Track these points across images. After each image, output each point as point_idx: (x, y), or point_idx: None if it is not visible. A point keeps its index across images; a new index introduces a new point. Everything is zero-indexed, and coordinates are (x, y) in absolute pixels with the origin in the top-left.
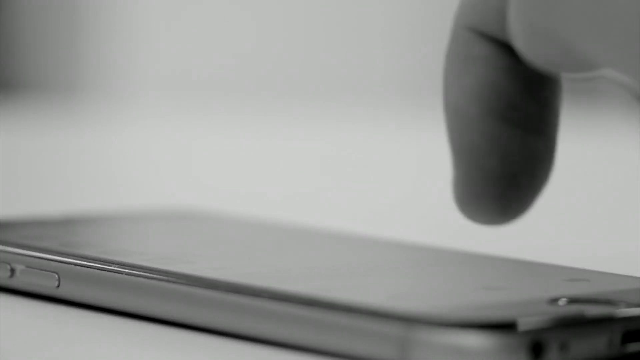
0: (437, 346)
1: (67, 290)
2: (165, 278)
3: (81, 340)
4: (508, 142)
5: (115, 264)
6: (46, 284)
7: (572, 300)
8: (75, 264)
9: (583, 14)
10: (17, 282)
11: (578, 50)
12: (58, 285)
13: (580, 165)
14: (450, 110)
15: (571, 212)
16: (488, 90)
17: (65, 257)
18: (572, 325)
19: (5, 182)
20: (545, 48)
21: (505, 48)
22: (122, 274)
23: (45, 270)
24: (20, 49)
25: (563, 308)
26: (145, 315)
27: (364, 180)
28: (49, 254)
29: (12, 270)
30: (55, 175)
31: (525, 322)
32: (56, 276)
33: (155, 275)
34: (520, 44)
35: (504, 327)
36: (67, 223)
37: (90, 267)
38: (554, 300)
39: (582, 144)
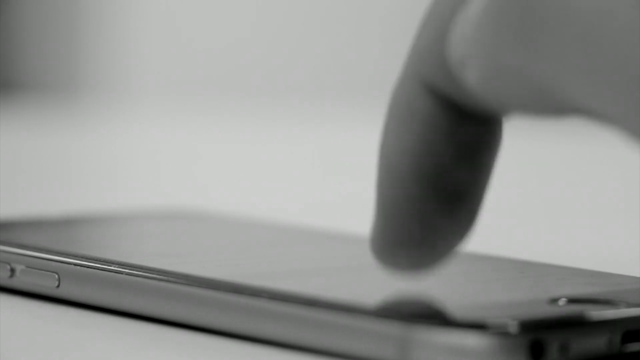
0: (437, 346)
1: (67, 290)
2: (165, 278)
3: (81, 340)
4: (432, 209)
5: (115, 264)
6: (46, 284)
7: (572, 300)
8: (75, 264)
9: (577, 55)
10: (17, 282)
11: (555, 92)
12: (58, 285)
13: (580, 166)
14: (382, 159)
15: (571, 212)
16: (423, 153)
17: (65, 257)
18: (572, 325)
19: (5, 182)
20: (509, 86)
21: (450, 107)
22: (122, 274)
23: (45, 270)
24: (20, 49)
25: (563, 308)
26: (145, 315)
27: (363, 180)
28: (49, 254)
29: (12, 270)
30: (55, 175)
31: (525, 322)
32: (56, 276)
33: (155, 275)
34: (472, 77)
35: (504, 327)
36: (67, 223)
37: (90, 267)
38: (554, 300)
39: (582, 144)
